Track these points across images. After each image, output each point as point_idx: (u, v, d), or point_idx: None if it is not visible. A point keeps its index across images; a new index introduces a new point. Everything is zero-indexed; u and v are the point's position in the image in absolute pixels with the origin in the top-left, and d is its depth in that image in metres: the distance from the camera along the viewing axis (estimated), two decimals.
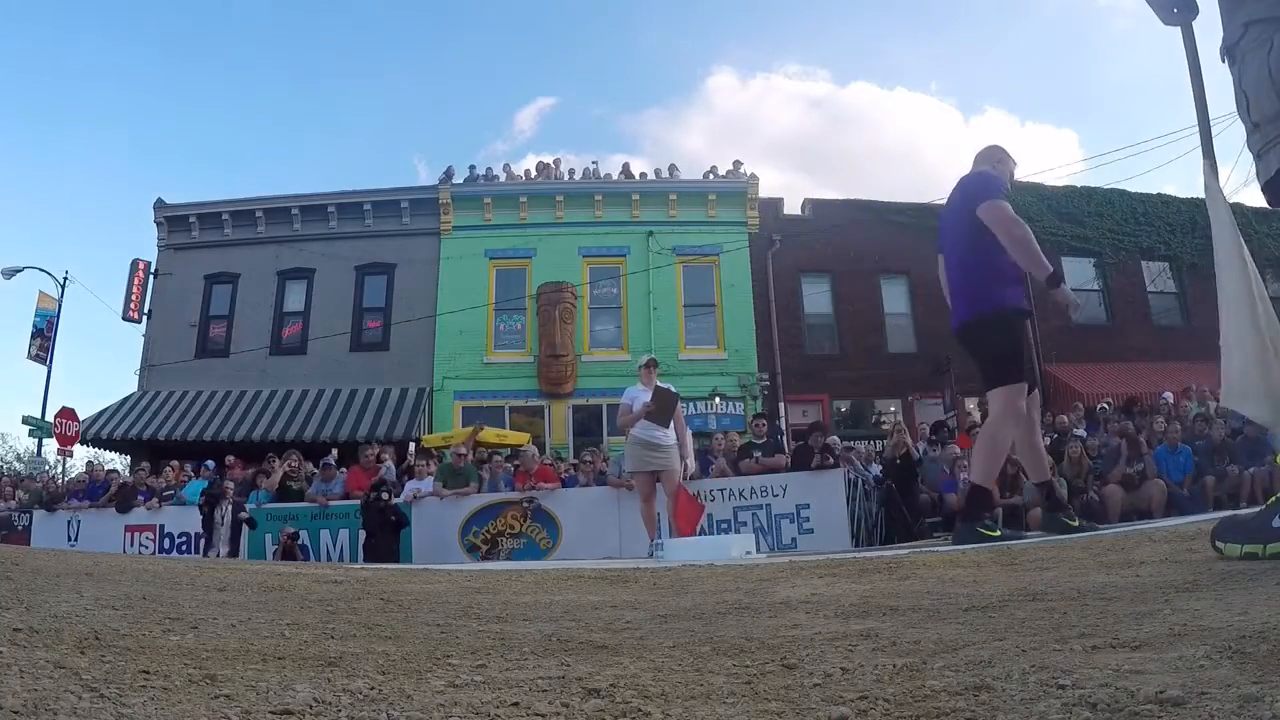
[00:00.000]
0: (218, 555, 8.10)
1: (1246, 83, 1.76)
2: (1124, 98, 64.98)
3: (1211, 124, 2.31)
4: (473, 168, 18.15)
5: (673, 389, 6.36)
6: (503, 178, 18.02)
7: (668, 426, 6.19)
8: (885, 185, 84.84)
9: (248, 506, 8.86)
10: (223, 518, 8.35)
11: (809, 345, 16.99)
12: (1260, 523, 1.82)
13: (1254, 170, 1.81)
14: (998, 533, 3.98)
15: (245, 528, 8.46)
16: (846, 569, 2.67)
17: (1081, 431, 9.53)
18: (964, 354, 4.34)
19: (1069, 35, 62.59)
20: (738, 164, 18.00)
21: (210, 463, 11.23)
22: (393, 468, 9.85)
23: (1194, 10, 2.30)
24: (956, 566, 2.51)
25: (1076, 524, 4.03)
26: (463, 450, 9.52)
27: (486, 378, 16.34)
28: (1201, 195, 2.33)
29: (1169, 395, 10.99)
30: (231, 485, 8.98)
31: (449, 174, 17.75)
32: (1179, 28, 2.33)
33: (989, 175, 4.17)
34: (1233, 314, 2.08)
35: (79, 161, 57.51)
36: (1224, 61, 1.86)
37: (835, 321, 17.21)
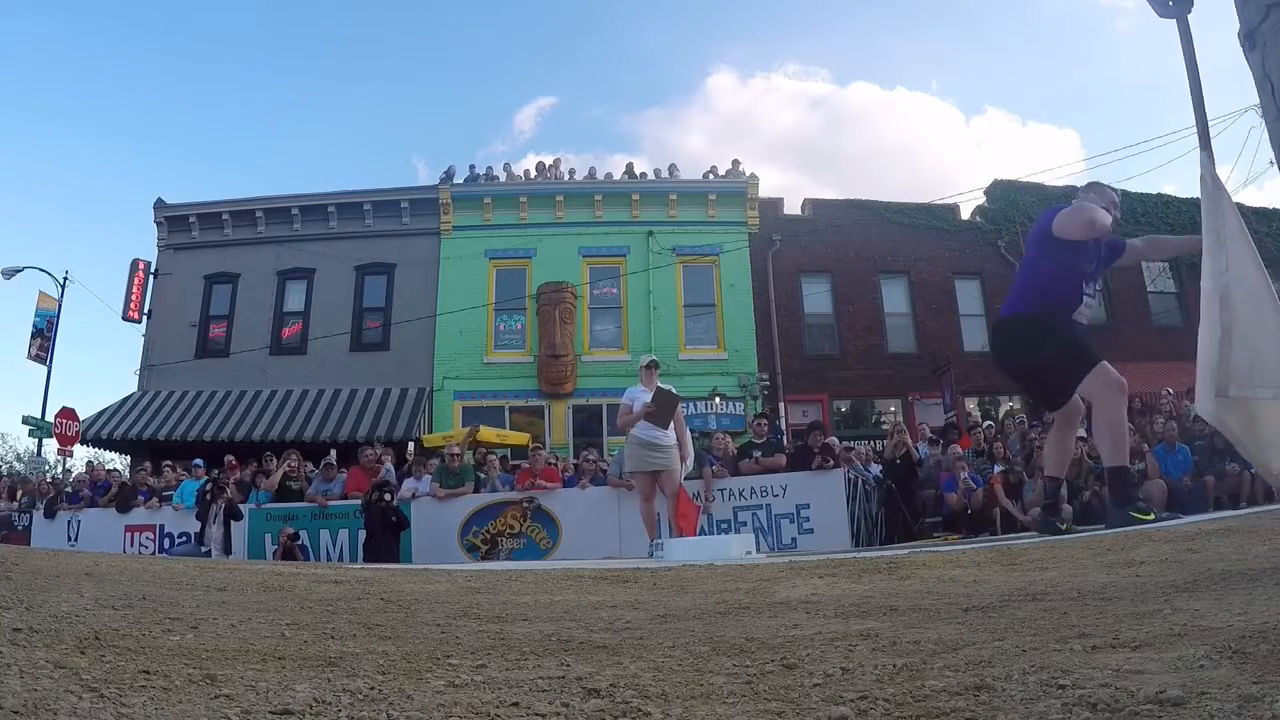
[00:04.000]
0: (209, 552, 8.11)
1: (1270, 67, 1.68)
2: (1124, 98, 65.02)
3: (1210, 122, 2.29)
4: (473, 167, 18.14)
5: (674, 390, 6.37)
6: (503, 178, 18.00)
7: (667, 427, 6.19)
8: (885, 185, 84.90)
9: (248, 506, 8.87)
10: (215, 515, 8.36)
11: (809, 345, 16.98)
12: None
13: (1273, 164, 1.76)
14: (1151, 515, 3.75)
15: (232, 521, 8.47)
16: (846, 569, 2.67)
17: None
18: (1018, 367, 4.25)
19: (1070, 35, 62.64)
20: (737, 164, 17.98)
21: (199, 461, 11.21)
22: (392, 469, 9.84)
23: (1189, 2, 2.28)
24: (956, 566, 2.51)
25: (1065, 528, 4.07)
26: (456, 450, 9.49)
27: (486, 378, 16.33)
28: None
29: (1169, 390, 10.96)
30: (230, 482, 8.99)
31: (449, 174, 17.73)
32: (1174, 20, 2.30)
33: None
34: (1247, 295, 1.98)
35: (79, 161, 57.55)
36: (1243, 47, 1.77)
37: (835, 321, 17.19)
